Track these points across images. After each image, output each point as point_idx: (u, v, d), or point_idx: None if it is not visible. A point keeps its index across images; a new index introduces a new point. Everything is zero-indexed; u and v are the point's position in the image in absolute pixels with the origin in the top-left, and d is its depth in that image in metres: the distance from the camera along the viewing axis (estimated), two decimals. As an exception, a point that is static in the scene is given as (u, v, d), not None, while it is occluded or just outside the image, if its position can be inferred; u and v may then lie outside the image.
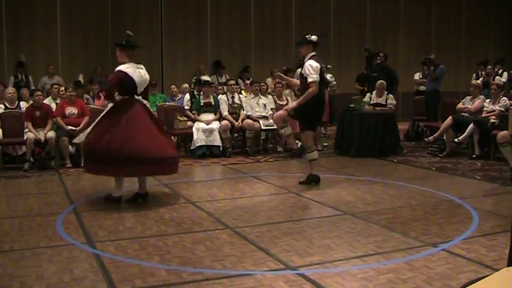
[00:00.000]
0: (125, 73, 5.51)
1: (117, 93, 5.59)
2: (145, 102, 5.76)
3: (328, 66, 12.08)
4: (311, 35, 6.43)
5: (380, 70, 10.43)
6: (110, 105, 5.75)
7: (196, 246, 4.17)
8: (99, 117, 5.66)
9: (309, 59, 6.32)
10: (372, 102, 9.58)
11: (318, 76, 6.20)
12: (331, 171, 7.55)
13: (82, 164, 5.78)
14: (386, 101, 9.56)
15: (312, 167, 6.56)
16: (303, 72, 6.35)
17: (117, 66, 5.70)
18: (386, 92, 9.66)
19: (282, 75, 7.33)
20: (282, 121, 6.59)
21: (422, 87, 11.35)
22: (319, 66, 6.24)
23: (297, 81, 7.06)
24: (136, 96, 5.61)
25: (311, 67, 6.22)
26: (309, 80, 6.19)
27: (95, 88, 10.40)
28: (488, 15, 16.07)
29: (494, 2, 16.10)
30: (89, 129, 5.68)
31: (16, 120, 8.10)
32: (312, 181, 6.50)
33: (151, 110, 6.03)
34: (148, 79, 5.78)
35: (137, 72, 5.59)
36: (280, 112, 6.67)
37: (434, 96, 10.15)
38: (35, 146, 7.94)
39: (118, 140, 5.26)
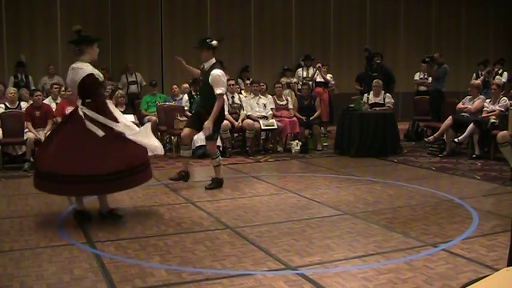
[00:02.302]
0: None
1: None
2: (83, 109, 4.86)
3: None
4: (211, 40, 6.28)
5: (377, 70, 10.45)
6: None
7: (196, 246, 4.17)
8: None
9: (214, 67, 6.20)
10: (370, 102, 9.58)
11: (225, 88, 6.14)
12: (331, 171, 7.55)
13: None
14: (384, 100, 9.56)
15: (218, 171, 6.41)
16: (210, 80, 6.09)
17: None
18: (383, 91, 9.67)
19: (183, 61, 6.74)
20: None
21: (422, 88, 11.35)
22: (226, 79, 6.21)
23: (197, 71, 6.73)
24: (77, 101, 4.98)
25: (220, 79, 6.09)
26: (218, 91, 6.06)
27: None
28: (488, 15, 16.08)
29: (494, 2, 16.10)
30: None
31: (16, 120, 8.10)
32: (218, 185, 6.35)
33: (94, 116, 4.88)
34: (77, 80, 4.86)
35: (70, 73, 4.99)
36: (209, 126, 6.15)
37: (437, 96, 10.15)
38: (35, 146, 7.93)
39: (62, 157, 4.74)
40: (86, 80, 4.85)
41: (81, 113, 4.81)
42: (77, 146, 4.73)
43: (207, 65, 6.30)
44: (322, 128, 10.32)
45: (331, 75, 11.93)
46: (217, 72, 6.16)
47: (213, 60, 6.30)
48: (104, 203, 5.05)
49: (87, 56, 4.99)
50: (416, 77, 11.63)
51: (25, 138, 7.83)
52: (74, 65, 4.94)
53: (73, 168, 4.62)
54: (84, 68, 4.89)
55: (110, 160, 4.72)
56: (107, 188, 4.85)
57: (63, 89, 8.75)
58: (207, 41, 6.26)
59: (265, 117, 9.33)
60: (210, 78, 6.14)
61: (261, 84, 9.75)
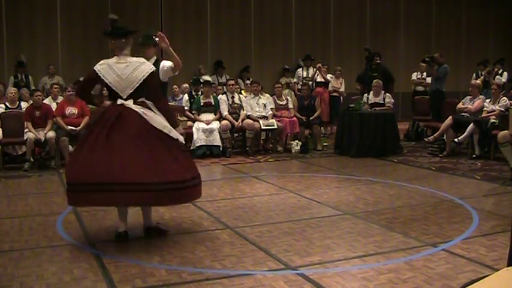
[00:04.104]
0: (94, 71, 4.39)
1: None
2: (138, 107, 4.34)
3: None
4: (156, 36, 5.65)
5: (377, 70, 10.46)
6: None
7: (196, 246, 4.17)
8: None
9: (158, 63, 5.27)
10: (370, 102, 9.58)
11: None
12: (331, 171, 7.55)
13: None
14: (384, 100, 9.56)
15: None
16: (162, 78, 5.16)
17: None
18: (383, 91, 9.67)
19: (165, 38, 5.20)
20: None
21: (420, 88, 11.34)
22: None
23: (177, 58, 5.19)
24: (121, 101, 4.33)
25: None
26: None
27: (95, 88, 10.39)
28: (488, 15, 16.08)
29: (494, 1, 16.10)
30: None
31: (16, 120, 8.10)
32: None
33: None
34: (138, 78, 4.34)
35: (116, 69, 4.34)
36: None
37: (437, 96, 10.15)
38: (35, 146, 7.95)
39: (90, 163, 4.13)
40: (153, 77, 4.44)
41: (140, 112, 4.26)
42: (128, 150, 4.14)
43: (151, 62, 5.26)
44: (322, 128, 10.32)
45: (331, 76, 11.93)
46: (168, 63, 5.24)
47: (155, 58, 5.38)
48: (149, 217, 4.55)
49: (129, 50, 4.49)
50: (414, 77, 11.63)
51: (25, 138, 7.83)
52: (122, 61, 4.37)
53: (126, 174, 4.04)
54: (147, 63, 4.48)
55: (164, 168, 4.16)
56: (161, 199, 4.22)
57: (69, 88, 8.56)
58: (154, 37, 5.44)
59: (265, 117, 9.33)
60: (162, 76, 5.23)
61: (254, 84, 9.72)
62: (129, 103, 4.32)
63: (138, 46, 5.34)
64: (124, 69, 4.34)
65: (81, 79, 4.62)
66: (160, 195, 4.10)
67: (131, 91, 4.34)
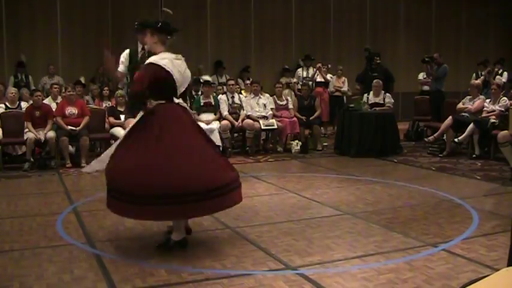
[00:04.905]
0: (159, 66, 4.00)
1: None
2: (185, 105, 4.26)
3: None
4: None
5: (377, 70, 10.46)
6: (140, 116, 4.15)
7: (196, 246, 4.17)
8: (126, 133, 4.15)
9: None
10: (370, 102, 9.58)
11: None
12: (331, 171, 7.55)
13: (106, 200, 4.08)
14: (384, 100, 9.56)
15: None
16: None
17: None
18: (383, 91, 9.67)
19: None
20: None
21: (426, 87, 11.33)
22: None
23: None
24: (176, 100, 4.12)
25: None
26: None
27: (95, 89, 10.39)
28: (488, 15, 16.06)
29: (494, 1, 16.09)
30: (108, 152, 4.20)
31: (16, 120, 8.10)
32: None
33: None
34: (190, 76, 4.26)
35: (176, 65, 4.09)
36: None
37: (437, 96, 10.13)
38: (35, 146, 7.94)
39: (154, 172, 3.74)
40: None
41: (190, 112, 4.13)
42: (197, 154, 3.91)
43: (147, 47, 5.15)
44: (322, 128, 10.31)
45: (331, 76, 11.93)
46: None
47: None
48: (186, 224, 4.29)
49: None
50: (420, 76, 11.63)
51: (25, 138, 7.83)
52: (176, 57, 4.12)
53: (188, 183, 3.75)
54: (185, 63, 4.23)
55: (217, 172, 3.98)
56: (209, 207, 3.97)
57: (69, 88, 8.56)
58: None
59: (265, 117, 9.33)
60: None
61: (254, 84, 9.72)
62: (181, 102, 4.16)
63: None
64: (181, 66, 4.14)
65: (140, 76, 4.02)
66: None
67: (183, 89, 4.21)
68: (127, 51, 5.78)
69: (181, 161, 3.81)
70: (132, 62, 5.70)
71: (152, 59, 4.05)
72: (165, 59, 4.03)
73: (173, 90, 4.07)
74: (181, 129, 3.98)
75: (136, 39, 5.65)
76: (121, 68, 5.71)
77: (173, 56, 4.10)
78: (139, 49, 5.74)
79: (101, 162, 4.23)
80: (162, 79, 3.98)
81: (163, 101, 4.04)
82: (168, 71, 3.99)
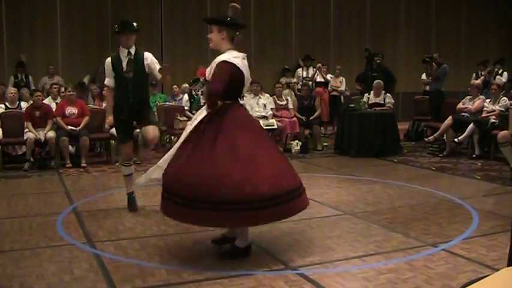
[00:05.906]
0: (234, 65, 3.78)
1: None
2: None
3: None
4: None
5: (377, 70, 10.46)
6: (200, 115, 3.89)
7: (196, 246, 4.17)
8: (186, 136, 3.87)
9: (141, 51, 5.34)
10: (370, 102, 9.58)
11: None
12: (331, 171, 7.55)
13: (160, 203, 3.90)
14: (384, 100, 9.56)
15: (126, 184, 5.42)
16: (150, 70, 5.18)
17: None
18: (383, 91, 9.67)
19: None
20: None
21: (429, 87, 11.32)
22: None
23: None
24: (241, 101, 3.94)
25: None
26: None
27: (94, 89, 10.38)
28: (488, 15, 16.07)
29: (494, 1, 16.10)
30: (166, 158, 3.95)
31: (16, 120, 8.10)
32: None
33: None
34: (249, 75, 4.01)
35: (245, 65, 3.89)
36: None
37: (436, 96, 10.14)
38: (35, 146, 7.94)
39: (235, 177, 3.52)
40: None
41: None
42: (270, 156, 3.75)
43: (133, 51, 5.22)
44: (322, 128, 10.31)
45: (331, 76, 11.93)
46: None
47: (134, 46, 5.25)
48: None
49: None
50: (423, 76, 11.62)
51: (25, 138, 7.83)
52: (243, 56, 3.94)
53: (270, 187, 3.56)
54: None
55: (285, 176, 3.75)
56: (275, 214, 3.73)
57: (70, 89, 8.57)
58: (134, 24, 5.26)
59: (265, 117, 9.33)
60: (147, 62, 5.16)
61: (254, 84, 9.71)
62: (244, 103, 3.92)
63: (117, 34, 5.21)
64: (247, 66, 3.92)
65: (219, 75, 3.74)
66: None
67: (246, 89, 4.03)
68: (108, 60, 5.20)
69: (256, 167, 3.60)
70: (117, 69, 5.14)
71: (225, 58, 3.80)
72: (237, 58, 3.83)
73: (240, 91, 3.90)
74: (253, 132, 3.79)
75: (136, 39, 5.41)
76: (107, 81, 5.25)
77: (241, 54, 3.90)
78: (125, 54, 5.18)
79: (158, 169, 3.99)
80: (237, 79, 3.80)
81: (229, 101, 3.81)
82: (241, 71, 3.81)
